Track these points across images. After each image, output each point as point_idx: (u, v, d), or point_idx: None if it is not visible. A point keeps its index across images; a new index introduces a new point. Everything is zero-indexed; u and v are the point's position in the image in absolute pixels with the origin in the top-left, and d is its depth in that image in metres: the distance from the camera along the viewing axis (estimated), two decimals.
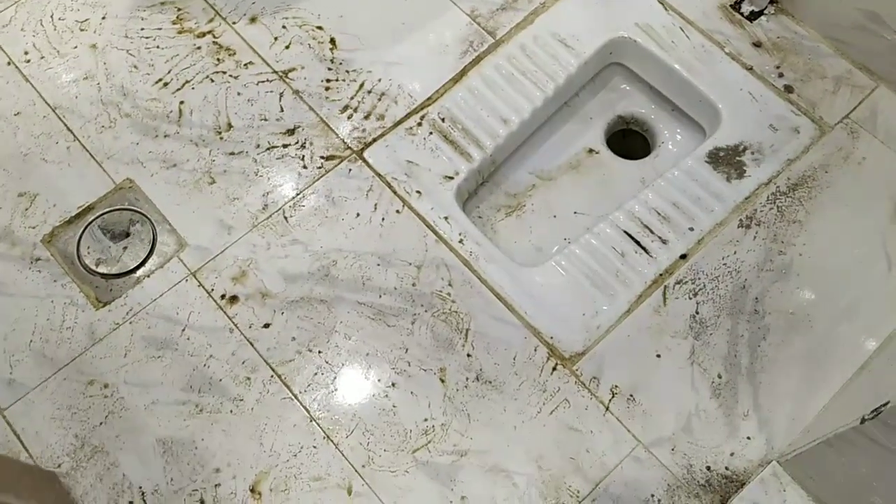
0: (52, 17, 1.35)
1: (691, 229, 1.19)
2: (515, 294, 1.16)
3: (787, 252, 1.16)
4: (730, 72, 1.28)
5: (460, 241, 1.19)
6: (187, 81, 1.29)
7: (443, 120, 1.27)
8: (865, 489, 0.84)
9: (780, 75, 1.27)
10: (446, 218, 1.21)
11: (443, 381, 1.10)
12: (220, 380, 1.11)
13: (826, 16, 1.27)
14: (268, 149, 1.25)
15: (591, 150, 1.35)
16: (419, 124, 1.27)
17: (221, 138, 1.26)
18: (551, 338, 1.13)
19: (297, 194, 1.21)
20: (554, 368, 1.11)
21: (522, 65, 1.31)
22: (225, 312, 1.15)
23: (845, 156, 1.21)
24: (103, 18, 1.35)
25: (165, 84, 1.29)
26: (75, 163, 1.24)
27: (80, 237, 1.19)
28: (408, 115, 1.27)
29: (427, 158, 1.25)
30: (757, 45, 1.29)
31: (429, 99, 1.28)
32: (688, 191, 1.21)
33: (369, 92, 1.29)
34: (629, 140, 1.43)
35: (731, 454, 1.05)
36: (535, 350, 1.12)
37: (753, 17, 1.31)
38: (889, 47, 1.21)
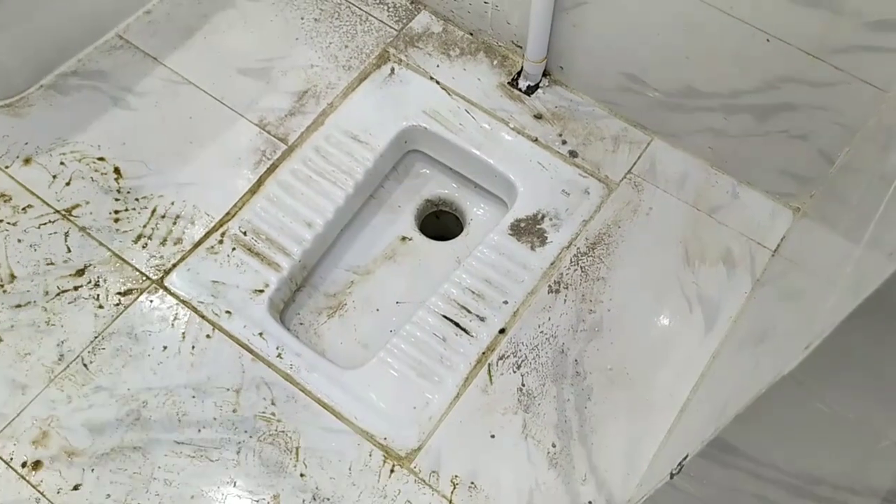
0: None
1: (505, 302, 1.21)
2: (342, 400, 1.13)
3: (597, 310, 1.20)
4: (518, 145, 1.34)
5: (278, 356, 1.15)
6: None
7: (244, 233, 1.24)
8: None
9: (564, 142, 1.33)
10: (261, 334, 1.17)
11: None
12: None
13: (595, 82, 1.35)
14: (57, 294, 1.17)
15: (404, 238, 1.36)
16: (220, 242, 1.23)
17: (4, 291, 1.16)
18: (385, 438, 1.10)
19: (96, 337, 1.14)
20: (392, 470, 1.08)
21: (319, 166, 1.31)
22: (28, 481, 1.04)
23: (634, 209, 1.28)
24: None
25: None
26: None
27: None
28: (207, 235, 1.23)
29: (233, 275, 1.21)
30: (538, 116, 1.36)
31: (227, 214, 1.25)
32: (497, 265, 1.24)
33: (163, 217, 1.24)
34: (444, 220, 1.46)
35: None
36: (371, 455, 1.09)
37: (531, 91, 1.38)
38: (653, 103, 1.30)
